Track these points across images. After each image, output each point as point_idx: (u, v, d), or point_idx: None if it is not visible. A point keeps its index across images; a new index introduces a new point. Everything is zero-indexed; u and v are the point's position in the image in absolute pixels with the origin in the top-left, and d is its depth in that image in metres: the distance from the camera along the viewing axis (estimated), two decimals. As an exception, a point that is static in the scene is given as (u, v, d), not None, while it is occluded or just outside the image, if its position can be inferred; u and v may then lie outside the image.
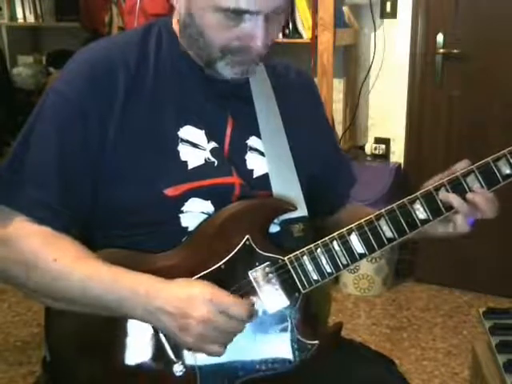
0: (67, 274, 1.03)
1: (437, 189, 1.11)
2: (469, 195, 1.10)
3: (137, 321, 1.06)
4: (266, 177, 1.15)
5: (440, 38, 3.07)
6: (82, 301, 1.04)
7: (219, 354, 1.03)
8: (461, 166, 1.12)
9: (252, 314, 1.04)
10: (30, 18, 3.96)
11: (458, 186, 1.10)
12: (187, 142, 1.11)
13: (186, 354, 1.07)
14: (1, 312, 2.99)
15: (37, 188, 1.06)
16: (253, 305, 1.06)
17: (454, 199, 1.10)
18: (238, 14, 1.02)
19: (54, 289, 1.04)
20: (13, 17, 4.02)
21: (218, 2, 1.01)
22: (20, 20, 4.00)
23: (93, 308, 1.04)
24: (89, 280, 1.02)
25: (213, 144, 1.12)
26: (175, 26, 1.15)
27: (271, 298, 1.09)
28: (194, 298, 1.00)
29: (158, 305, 1.00)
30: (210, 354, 1.03)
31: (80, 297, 1.03)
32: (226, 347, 1.03)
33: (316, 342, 1.12)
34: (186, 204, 1.09)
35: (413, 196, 1.11)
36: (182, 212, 1.09)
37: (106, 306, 1.03)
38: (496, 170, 1.10)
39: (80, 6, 3.61)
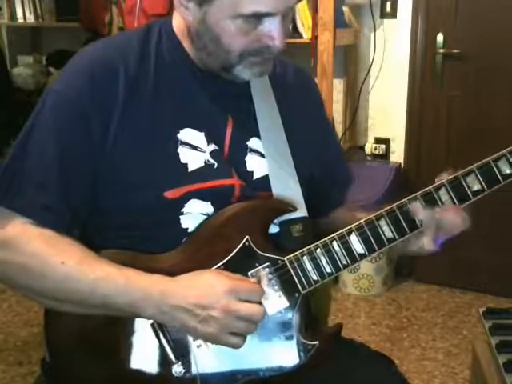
0: (76, 277, 1.02)
1: (437, 188, 1.11)
2: (435, 211, 1.10)
3: (137, 322, 1.07)
4: (265, 178, 1.15)
5: (440, 38, 3.07)
6: (90, 302, 1.04)
7: (239, 346, 1.04)
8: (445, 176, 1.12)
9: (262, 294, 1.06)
10: (30, 18, 3.96)
11: (457, 186, 1.10)
12: (187, 144, 1.10)
13: (187, 355, 1.07)
14: (1, 312, 2.99)
15: (37, 189, 1.05)
16: (259, 283, 1.07)
17: (423, 215, 1.10)
18: (257, 17, 1.02)
19: (61, 291, 1.04)
20: (13, 17, 4.01)
21: (239, 9, 1.00)
22: (20, 20, 3.99)
23: (101, 309, 1.04)
24: (99, 281, 1.02)
25: (213, 146, 1.12)
26: (176, 28, 1.14)
27: (271, 298, 1.08)
28: (211, 289, 1.01)
29: (173, 303, 1.01)
30: (230, 345, 1.04)
31: (89, 298, 1.03)
32: (245, 339, 1.04)
33: (316, 342, 1.12)
34: (186, 205, 1.09)
35: (413, 196, 1.11)
36: (182, 214, 1.09)
37: (115, 308, 1.03)
38: (496, 170, 1.10)
39: (80, 6, 3.60)
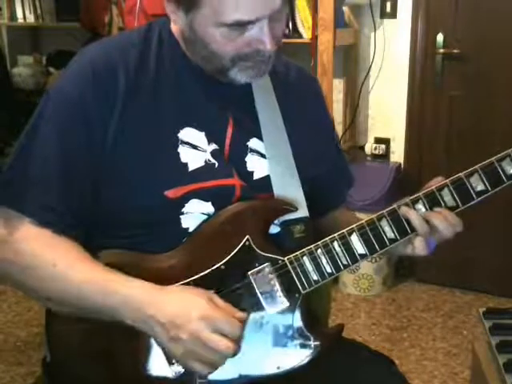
0: (64, 279, 1.03)
1: (439, 189, 1.11)
2: (426, 214, 1.10)
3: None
4: (266, 179, 1.15)
5: (440, 38, 3.06)
6: (77, 305, 1.04)
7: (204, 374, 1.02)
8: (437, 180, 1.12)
9: (243, 332, 1.01)
10: (30, 18, 3.96)
11: (460, 186, 1.10)
12: (187, 143, 1.10)
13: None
14: (1, 312, 2.99)
15: (39, 189, 1.06)
16: (246, 319, 1.03)
17: (415, 219, 1.09)
18: (241, 25, 1.02)
19: (51, 292, 1.05)
20: (13, 17, 4.01)
21: (221, 18, 1.00)
22: (20, 20, 3.99)
23: (87, 312, 1.05)
24: (83, 285, 1.02)
25: (213, 146, 1.12)
26: (174, 29, 1.14)
27: (271, 298, 1.09)
28: (187, 311, 0.99)
29: (150, 313, 1.00)
30: (194, 371, 1.02)
31: (75, 301, 1.04)
32: (215, 369, 1.01)
33: (317, 342, 1.12)
34: (187, 205, 1.09)
35: (415, 196, 1.11)
36: (182, 213, 1.09)
37: (99, 312, 1.03)
38: (500, 170, 1.10)
39: (80, 6, 3.60)
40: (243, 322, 1.02)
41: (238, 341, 1.00)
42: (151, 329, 1.01)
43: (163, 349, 1.04)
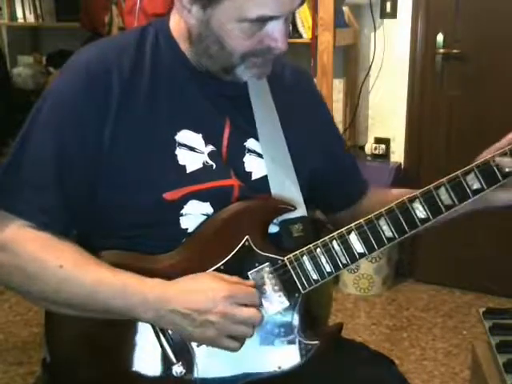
0: (73, 281, 1.03)
1: (436, 188, 1.10)
2: None
3: (138, 323, 1.06)
4: (264, 179, 1.15)
5: (440, 38, 3.06)
6: (88, 307, 1.04)
7: (237, 349, 1.04)
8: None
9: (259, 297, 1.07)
10: (30, 18, 3.96)
11: (457, 185, 1.10)
12: (184, 146, 1.10)
13: (188, 356, 1.07)
14: (1, 312, 2.99)
15: (35, 192, 1.06)
16: (254, 286, 1.07)
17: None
18: (263, 20, 1.02)
19: (60, 295, 1.04)
20: (13, 17, 4.01)
21: (244, 13, 1.00)
22: (20, 20, 3.99)
23: (99, 313, 1.05)
24: (96, 286, 1.02)
25: (210, 147, 1.12)
26: (173, 28, 1.13)
27: (271, 298, 1.09)
28: (208, 295, 1.01)
29: (170, 307, 1.01)
30: (227, 349, 1.04)
31: (87, 303, 1.04)
32: (243, 342, 1.04)
33: (316, 342, 1.12)
34: (186, 207, 1.09)
35: (412, 195, 1.11)
36: (181, 215, 1.09)
37: (114, 312, 1.03)
38: (496, 169, 1.10)
39: (80, 6, 3.60)
40: (255, 287, 1.06)
41: (258, 307, 1.04)
42: (173, 323, 1.02)
43: (190, 339, 1.06)
